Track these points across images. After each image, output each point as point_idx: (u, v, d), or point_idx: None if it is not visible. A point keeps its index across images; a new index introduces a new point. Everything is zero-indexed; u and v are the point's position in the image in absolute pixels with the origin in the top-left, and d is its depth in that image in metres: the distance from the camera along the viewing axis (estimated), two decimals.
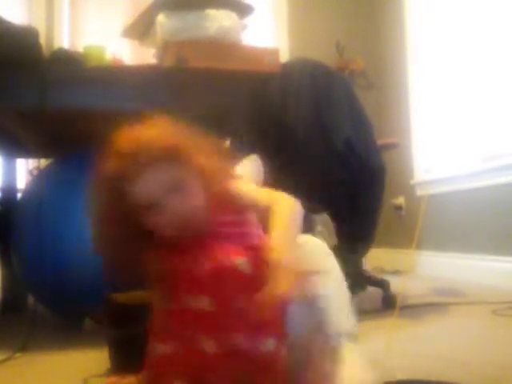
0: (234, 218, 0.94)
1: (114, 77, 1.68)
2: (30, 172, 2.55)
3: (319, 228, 2.32)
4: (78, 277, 1.58)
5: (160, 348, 0.84)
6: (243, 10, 1.87)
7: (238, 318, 0.83)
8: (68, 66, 1.65)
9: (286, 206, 0.90)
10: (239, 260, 0.85)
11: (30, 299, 2.04)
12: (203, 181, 0.92)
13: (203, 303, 0.83)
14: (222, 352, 0.81)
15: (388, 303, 1.97)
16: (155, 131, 0.93)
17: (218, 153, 0.97)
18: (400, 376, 1.06)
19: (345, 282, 1.02)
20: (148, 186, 0.88)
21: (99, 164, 0.91)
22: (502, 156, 2.59)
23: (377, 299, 2.02)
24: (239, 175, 1.01)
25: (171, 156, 0.89)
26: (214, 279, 0.84)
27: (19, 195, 2.18)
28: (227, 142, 1.91)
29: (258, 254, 0.85)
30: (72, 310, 1.74)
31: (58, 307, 1.82)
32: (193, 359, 0.82)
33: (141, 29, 1.95)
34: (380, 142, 2.09)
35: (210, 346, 0.81)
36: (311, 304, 0.90)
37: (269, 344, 0.83)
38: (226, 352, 0.81)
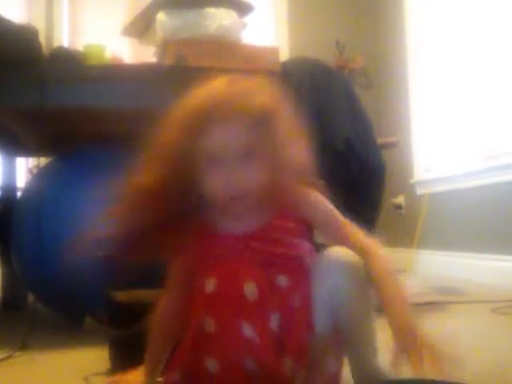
0: (289, 225, 0.88)
1: (113, 75, 1.67)
2: (30, 171, 2.55)
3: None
4: (78, 276, 1.58)
5: (203, 323, 0.80)
6: (243, 9, 1.86)
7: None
8: (68, 64, 1.65)
9: (387, 264, 0.86)
10: (248, 285, 0.80)
11: (30, 298, 2.04)
12: (277, 164, 0.84)
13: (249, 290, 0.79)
14: (260, 340, 0.78)
15: None
16: (258, 87, 0.85)
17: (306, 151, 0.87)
18: (398, 374, 1.06)
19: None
20: (225, 138, 0.81)
21: (188, 95, 0.84)
22: (502, 155, 2.59)
23: (377, 298, 2.01)
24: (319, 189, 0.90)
25: (263, 120, 0.82)
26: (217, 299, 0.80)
27: (19, 194, 2.18)
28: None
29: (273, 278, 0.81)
30: (72, 309, 1.74)
31: (58, 306, 1.82)
32: (231, 341, 0.78)
33: (140, 27, 1.95)
34: (380, 140, 2.09)
35: (248, 330, 0.78)
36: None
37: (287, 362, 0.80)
38: (265, 340, 0.78)
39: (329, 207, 0.89)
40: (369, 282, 0.88)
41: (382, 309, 0.84)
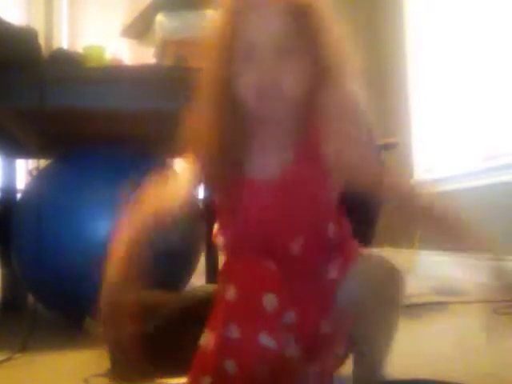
0: (317, 174, 0.80)
1: (113, 77, 1.67)
2: (30, 172, 2.55)
3: None
4: (78, 276, 1.58)
5: (226, 329, 0.77)
6: None
7: None
8: (67, 66, 1.65)
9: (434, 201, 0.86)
10: (267, 296, 0.76)
11: (30, 299, 2.04)
12: (319, 69, 0.78)
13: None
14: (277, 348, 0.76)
15: None
16: None
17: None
18: (398, 374, 1.06)
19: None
20: (259, 25, 0.76)
21: None
22: (502, 155, 2.59)
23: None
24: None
25: (301, 10, 0.77)
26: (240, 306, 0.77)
27: (19, 195, 2.18)
28: None
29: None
30: (72, 309, 1.74)
31: (58, 306, 1.82)
32: (249, 349, 0.76)
33: (140, 28, 1.95)
34: (380, 141, 2.09)
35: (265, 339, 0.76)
36: None
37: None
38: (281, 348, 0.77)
39: (365, 143, 0.86)
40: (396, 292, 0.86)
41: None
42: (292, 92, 0.77)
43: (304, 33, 0.77)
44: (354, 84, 0.84)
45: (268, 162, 0.83)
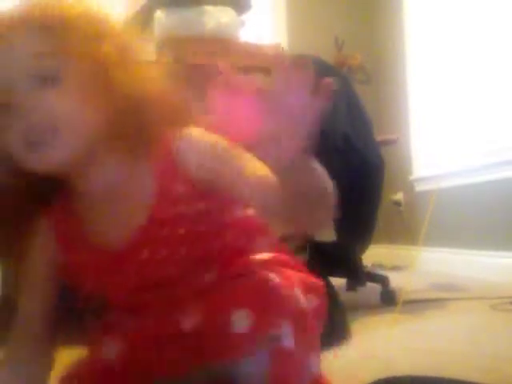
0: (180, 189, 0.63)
1: None
2: None
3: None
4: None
5: None
6: (241, 7, 1.86)
7: None
8: None
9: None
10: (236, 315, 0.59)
11: None
12: (119, 94, 0.60)
13: None
14: None
15: (387, 299, 1.97)
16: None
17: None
18: (399, 371, 1.06)
19: None
20: (4, 57, 0.56)
21: None
22: (502, 151, 2.59)
23: (376, 295, 2.02)
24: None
25: (48, 19, 0.57)
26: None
27: None
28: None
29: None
30: (72, 309, 1.74)
31: (59, 306, 1.82)
32: None
33: (138, 25, 1.95)
34: (379, 137, 2.09)
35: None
36: None
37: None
38: None
39: (222, 148, 0.62)
40: None
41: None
42: (68, 127, 0.58)
43: (75, 51, 0.58)
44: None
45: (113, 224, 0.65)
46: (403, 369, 1.08)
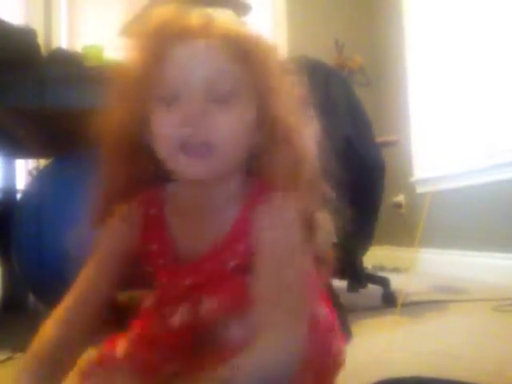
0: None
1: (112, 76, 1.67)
2: (30, 172, 2.55)
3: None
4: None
5: None
6: (241, 9, 1.86)
7: None
8: (67, 65, 1.65)
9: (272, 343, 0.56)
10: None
11: (31, 299, 2.04)
12: (266, 120, 0.61)
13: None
14: None
15: (388, 301, 1.97)
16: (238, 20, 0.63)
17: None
18: (400, 373, 1.06)
19: None
20: (189, 63, 0.58)
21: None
22: (503, 152, 2.59)
23: (377, 297, 2.02)
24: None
25: (244, 49, 0.59)
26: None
27: (19, 196, 2.18)
28: None
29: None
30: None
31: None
32: None
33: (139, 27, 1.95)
34: (380, 139, 2.09)
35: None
36: None
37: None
38: None
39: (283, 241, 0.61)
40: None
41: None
42: (226, 147, 0.60)
43: (246, 75, 0.61)
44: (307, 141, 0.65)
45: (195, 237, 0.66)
46: (404, 370, 1.08)
